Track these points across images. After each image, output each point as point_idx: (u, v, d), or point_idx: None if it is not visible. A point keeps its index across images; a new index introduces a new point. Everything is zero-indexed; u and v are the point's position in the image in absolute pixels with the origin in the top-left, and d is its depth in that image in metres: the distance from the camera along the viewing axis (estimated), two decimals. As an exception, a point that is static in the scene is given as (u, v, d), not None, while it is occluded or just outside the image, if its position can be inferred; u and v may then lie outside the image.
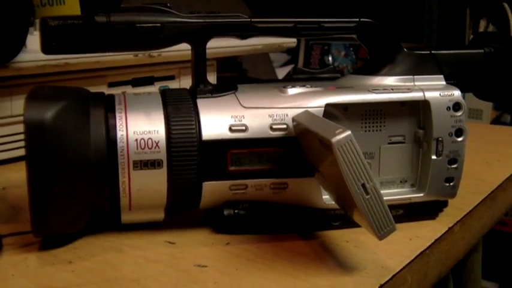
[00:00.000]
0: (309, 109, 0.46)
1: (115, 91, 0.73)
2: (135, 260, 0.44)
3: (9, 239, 0.46)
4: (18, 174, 0.63)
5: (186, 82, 0.84)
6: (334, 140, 0.38)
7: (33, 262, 0.43)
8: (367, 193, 0.38)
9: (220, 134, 0.45)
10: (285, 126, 0.46)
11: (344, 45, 1.72)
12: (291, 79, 0.52)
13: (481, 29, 1.67)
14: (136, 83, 0.79)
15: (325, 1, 1.69)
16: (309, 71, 0.53)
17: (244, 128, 0.45)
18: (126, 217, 0.46)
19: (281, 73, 1.55)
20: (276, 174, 0.46)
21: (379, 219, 0.39)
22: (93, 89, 0.48)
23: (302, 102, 0.46)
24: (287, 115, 0.46)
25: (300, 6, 1.82)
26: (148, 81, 0.80)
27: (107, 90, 0.74)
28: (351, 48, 1.72)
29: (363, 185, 0.38)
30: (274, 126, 0.46)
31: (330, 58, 1.73)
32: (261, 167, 0.46)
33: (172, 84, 0.83)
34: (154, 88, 0.80)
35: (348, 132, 0.38)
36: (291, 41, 0.95)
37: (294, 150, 0.46)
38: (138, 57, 0.74)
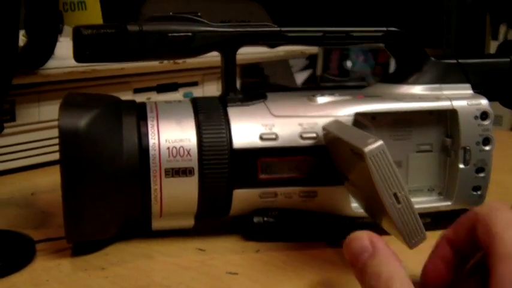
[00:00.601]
0: (338, 118, 0.46)
1: (140, 97, 0.74)
2: (166, 266, 0.44)
3: (41, 244, 0.47)
4: (45, 179, 0.65)
5: (209, 88, 0.84)
6: (367, 149, 0.38)
7: (66, 268, 0.44)
8: (399, 202, 0.39)
9: (251, 142, 0.46)
10: (314, 135, 0.46)
11: (363, 50, 1.72)
12: (319, 87, 0.53)
13: (501, 34, 1.66)
14: (161, 89, 0.79)
15: (341, 6, 1.69)
16: (336, 79, 0.54)
17: (274, 136, 0.46)
18: (156, 224, 0.47)
19: (299, 78, 1.56)
20: (306, 183, 0.47)
21: (410, 228, 0.39)
22: (119, 95, 0.49)
23: (331, 111, 0.47)
24: (317, 124, 0.46)
25: (317, 11, 1.82)
26: (173, 87, 0.81)
27: (132, 96, 0.75)
28: (370, 53, 1.72)
29: (395, 194, 0.39)
30: (304, 135, 0.46)
31: (349, 63, 1.73)
32: (290, 175, 0.46)
33: (196, 90, 0.83)
34: (179, 94, 0.81)
35: (380, 142, 0.38)
36: (314, 48, 0.95)
37: (323, 159, 0.46)
38: (163, 64, 0.74)
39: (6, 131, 0.59)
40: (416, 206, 0.48)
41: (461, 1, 1.72)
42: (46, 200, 0.59)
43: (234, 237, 0.49)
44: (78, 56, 0.46)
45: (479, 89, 0.51)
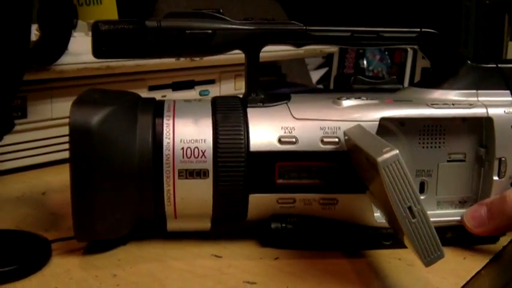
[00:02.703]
0: (362, 123, 0.44)
1: (155, 95, 0.72)
2: (181, 274, 0.42)
3: (53, 244, 0.45)
4: (57, 178, 0.63)
5: (226, 86, 0.83)
6: (380, 159, 0.36)
7: (76, 274, 0.42)
8: (414, 216, 0.36)
9: (269, 145, 0.44)
10: (336, 139, 0.44)
11: (379, 49, 1.69)
12: (350, 89, 0.51)
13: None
14: (177, 86, 0.78)
15: (358, 4, 1.67)
16: (370, 81, 0.51)
17: (294, 140, 0.44)
18: (172, 225, 0.45)
19: (315, 76, 1.54)
20: (326, 189, 0.45)
21: (426, 244, 0.36)
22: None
23: (356, 115, 0.45)
24: (339, 128, 0.44)
25: (333, 9, 1.80)
26: (189, 85, 0.79)
27: (147, 94, 0.73)
28: (386, 53, 1.69)
29: (409, 208, 0.36)
30: (325, 140, 0.44)
31: (365, 62, 1.70)
32: (310, 181, 0.44)
33: (213, 89, 0.82)
34: (195, 92, 0.79)
35: (395, 152, 0.36)
36: (333, 46, 0.93)
37: (345, 165, 0.44)
38: (179, 61, 0.73)
39: (17, 127, 0.57)
40: (445, 219, 0.46)
41: (480, 1, 1.70)
42: (57, 200, 0.57)
43: (250, 242, 0.47)
44: (96, 51, 0.44)
45: None
